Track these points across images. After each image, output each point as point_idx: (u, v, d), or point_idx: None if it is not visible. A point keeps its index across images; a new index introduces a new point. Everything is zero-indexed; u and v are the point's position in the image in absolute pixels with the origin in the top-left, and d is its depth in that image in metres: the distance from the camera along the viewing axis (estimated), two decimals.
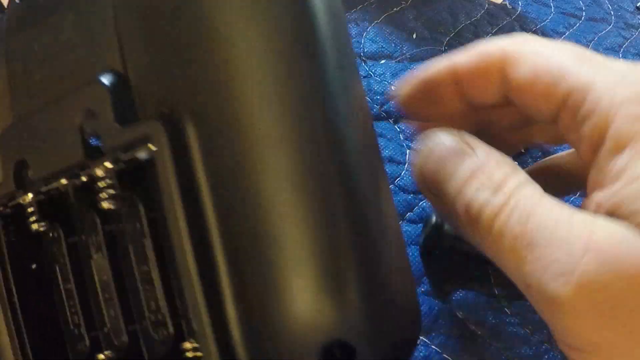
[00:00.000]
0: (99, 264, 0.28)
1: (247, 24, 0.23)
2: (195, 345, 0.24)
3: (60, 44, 0.28)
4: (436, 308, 0.65)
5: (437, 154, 0.35)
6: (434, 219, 0.69)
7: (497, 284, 0.68)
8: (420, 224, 0.71)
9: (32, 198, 0.28)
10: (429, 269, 0.65)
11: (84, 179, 0.26)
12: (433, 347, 0.63)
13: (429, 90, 0.45)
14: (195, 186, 0.23)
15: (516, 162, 0.79)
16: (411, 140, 0.80)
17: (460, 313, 0.65)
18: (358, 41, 0.93)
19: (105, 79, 0.25)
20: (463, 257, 0.64)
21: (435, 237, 0.64)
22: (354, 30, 0.94)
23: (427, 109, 0.46)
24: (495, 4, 1.02)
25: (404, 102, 0.48)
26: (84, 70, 0.28)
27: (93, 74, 0.26)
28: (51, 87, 0.28)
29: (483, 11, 1.00)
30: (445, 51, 0.93)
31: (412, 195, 0.74)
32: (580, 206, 0.80)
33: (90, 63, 0.27)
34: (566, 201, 0.77)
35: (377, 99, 0.85)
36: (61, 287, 0.30)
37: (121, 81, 0.25)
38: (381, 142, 0.79)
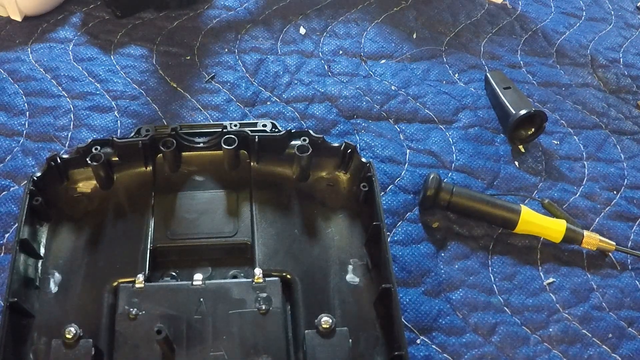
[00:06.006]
0: None
1: None
2: None
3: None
4: (436, 308, 0.65)
5: None
6: (432, 177, 0.71)
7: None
8: (420, 224, 0.72)
9: None
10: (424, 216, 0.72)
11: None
12: (433, 346, 0.63)
13: None
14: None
15: (516, 162, 0.79)
16: (411, 140, 0.80)
17: (460, 313, 0.65)
18: (358, 41, 0.93)
19: None
20: (457, 212, 0.72)
21: (433, 196, 0.70)
22: (354, 30, 0.94)
23: None
24: (495, 4, 1.01)
25: None
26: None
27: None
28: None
29: (483, 11, 1.00)
30: (445, 51, 0.93)
31: (412, 195, 0.75)
32: (580, 206, 0.80)
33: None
34: (566, 201, 0.77)
35: (377, 98, 0.85)
36: None
37: None
38: (381, 142, 0.79)
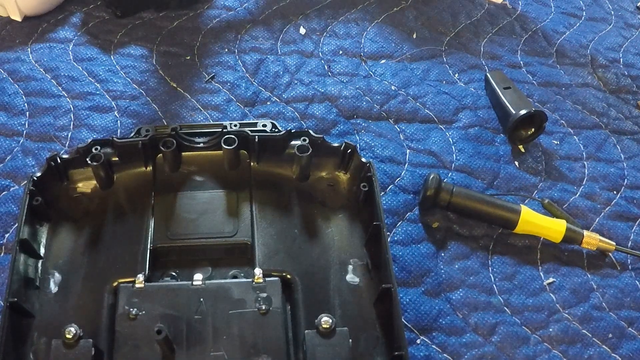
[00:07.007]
0: None
1: None
2: None
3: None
4: (436, 308, 0.65)
5: None
6: (432, 177, 0.71)
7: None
8: (420, 224, 0.72)
9: None
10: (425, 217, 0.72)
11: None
12: (433, 346, 0.63)
13: None
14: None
15: (516, 162, 0.79)
16: (411, 140, 0.80)
17: (460, 313, 0.65)
18: (358, 41, 0.93)
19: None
20: (457, 212, 0.72)
21: (433, 196, 0.70)
22: (354, 30, 0.94)
23: None
24: (495, 4, 1.02)
25: None
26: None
27: None
28: None
29: (483, 11, 1.00)
30: (445, 51, 0.93)
31: (412, 195, 0.75)
32: (580, 206, 0.80)
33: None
34: (566, 201, 0.77)
35: (377, 98, 0.85)
36: None
37: None
38: (381, 142, 0.79)
